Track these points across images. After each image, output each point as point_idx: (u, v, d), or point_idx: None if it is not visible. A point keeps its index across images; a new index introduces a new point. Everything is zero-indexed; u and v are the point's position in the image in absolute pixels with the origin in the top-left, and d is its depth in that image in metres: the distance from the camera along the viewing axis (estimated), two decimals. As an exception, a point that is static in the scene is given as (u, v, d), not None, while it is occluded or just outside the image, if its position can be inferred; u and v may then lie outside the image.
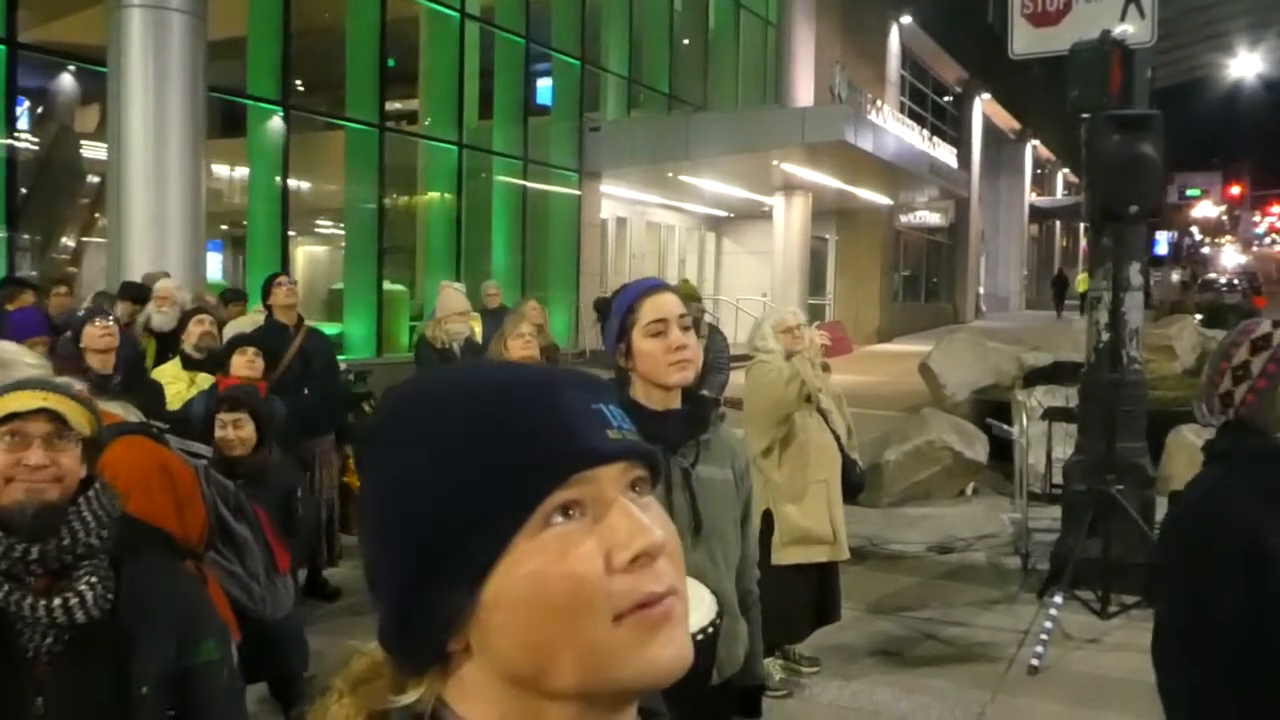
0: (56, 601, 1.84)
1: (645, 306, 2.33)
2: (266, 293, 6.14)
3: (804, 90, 22.93)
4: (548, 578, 0.72)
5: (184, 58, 8.78)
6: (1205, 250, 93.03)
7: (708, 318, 7.50)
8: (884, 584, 6.64)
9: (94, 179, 13.59)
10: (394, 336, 15.19)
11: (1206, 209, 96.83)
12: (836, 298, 26.45)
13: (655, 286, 2.37)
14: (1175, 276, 49.64)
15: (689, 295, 7.21)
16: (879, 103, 21.46)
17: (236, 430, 3.78)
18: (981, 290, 39.02)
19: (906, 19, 28.24)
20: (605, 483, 0.75)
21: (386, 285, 15.12)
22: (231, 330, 6.15)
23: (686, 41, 22.19)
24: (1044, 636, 5.32)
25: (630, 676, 0.73)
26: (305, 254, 17.34)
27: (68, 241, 14.44)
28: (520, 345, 5.00)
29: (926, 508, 8.70)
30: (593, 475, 0.74)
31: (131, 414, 2.65)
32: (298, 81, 13.55)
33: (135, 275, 8.06)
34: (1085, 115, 5.97)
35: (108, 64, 8.94)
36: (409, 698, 0.75)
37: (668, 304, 2.32)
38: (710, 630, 2.05)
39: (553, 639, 0.72)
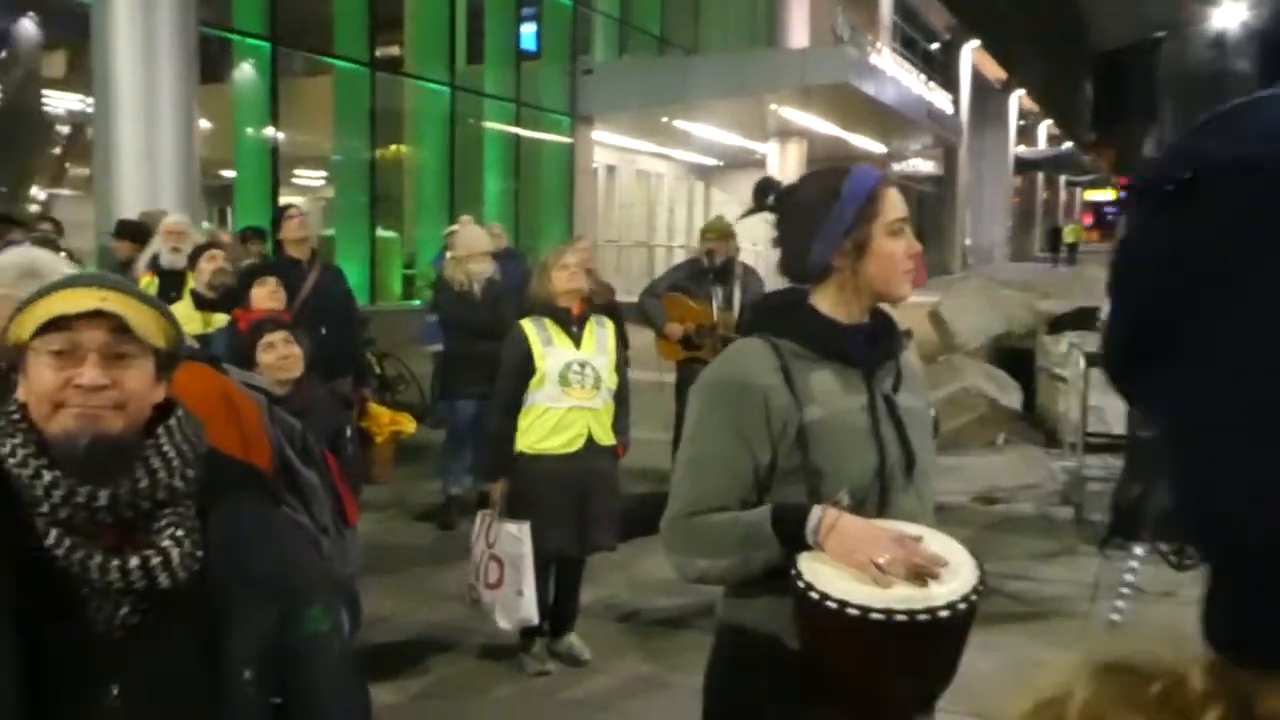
0: (134, 561, 1.41)
1: (887, 200, 1.92)
2: (276, 226, 5.70)
3: (798, 33, 22.41)
4: None
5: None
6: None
7: (742, 257, 7.04)
8: (934, 535, 6.32)
9: (63, 128, 13.02)
10: (387, 284, 14.70)
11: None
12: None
13: (886, 177, 1.98)
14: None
15: (724, 233, 6.79)
16: (879, 45, 20.98)
17: (288, 346, 3.34)
18: (968, 242, 38.76)
19: (899, -38, 27.71)
20: None
21: (378, 232, 14.62)
22: None
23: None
24: (1124, 590, 5.01)
25: None
26: (296, 198, 16.77)
27: (37, 192, 13.87)
28: (566, 277, 4.52)
29: (959, 457, 8.36)
30: None
31: (186, 340, 2.23)
32: (286, 20, 12.92)
33: (127, 215, 7.57)
34: (1161, 35, 5.58)
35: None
36: None
37: (902, 202, 1.94)
38: (974, 598, 1.68)
39: None
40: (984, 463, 8.20)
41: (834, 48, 19.70)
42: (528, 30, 17.85)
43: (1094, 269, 17.46)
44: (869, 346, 1.96)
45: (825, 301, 1.95)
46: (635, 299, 7.10)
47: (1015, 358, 10.24)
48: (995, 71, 39.51)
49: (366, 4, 13.88)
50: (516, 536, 4.36)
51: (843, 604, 1.66)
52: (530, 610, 4.38)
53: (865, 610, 1.65)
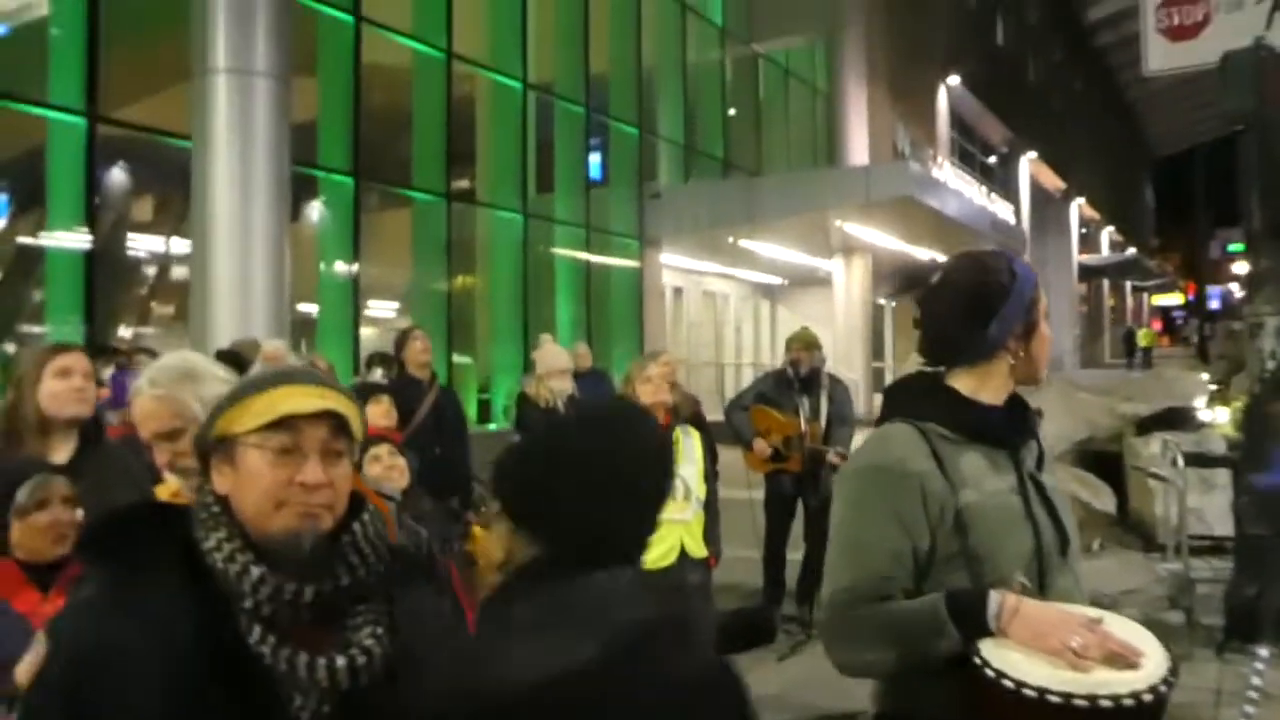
0: (340, 662, 1.42)
1: (1039, 286, 2.03)
2: (400, 346, 5.91)
3: (858, 151, 22.77)
4: None
5: (269, 121, 8.67)
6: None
7: (828, 368, 7.04)
8: (1039, 644, 6.12)
9: (150, 269, 13.59)
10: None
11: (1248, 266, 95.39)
12: (896, 359, 26.01)
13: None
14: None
15: (809, 343, 6.82)
16: (939, 159, 21.21)
17: (393, 458, 3.42)
18: (1036, 350, 38.40)
19: (954, 80, 28.11)
20: None
21: (454, 357, 14.88)
22: None
23: (733, 111, 22.04)
24: (1251, 694, 4.80)
25: None
26: (371, 329, 17.21)
27: (124, 331, 14.40)
28: (650, 390, 4.54)
29: (1056, 564, 8.15)
30: None
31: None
32: (368, 157, 13.50)
33: (221, 345, 7.83)
34: (1239, 128, 5.63)
35: (192, 131, 8.84)
36: None
37: None
38: (1172, 680, 1.64)
39: None
40: (1082, 569, 7.96)
41: (896, 163, 19.98)
42: (595, 159, 18.39)
43: (1171, 371, 17.23)
44: (1013, 426, 1.98)
45: (965, 383, 1.97)
46: (708, 417, 7.10)
47: (1100, 461, 10.05)
48: (1054, 181, 39.65)
49: (443, 139, 14.45)
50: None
51: (1042, 691, 1.61)
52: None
53: (1067, 697, 1.60)
